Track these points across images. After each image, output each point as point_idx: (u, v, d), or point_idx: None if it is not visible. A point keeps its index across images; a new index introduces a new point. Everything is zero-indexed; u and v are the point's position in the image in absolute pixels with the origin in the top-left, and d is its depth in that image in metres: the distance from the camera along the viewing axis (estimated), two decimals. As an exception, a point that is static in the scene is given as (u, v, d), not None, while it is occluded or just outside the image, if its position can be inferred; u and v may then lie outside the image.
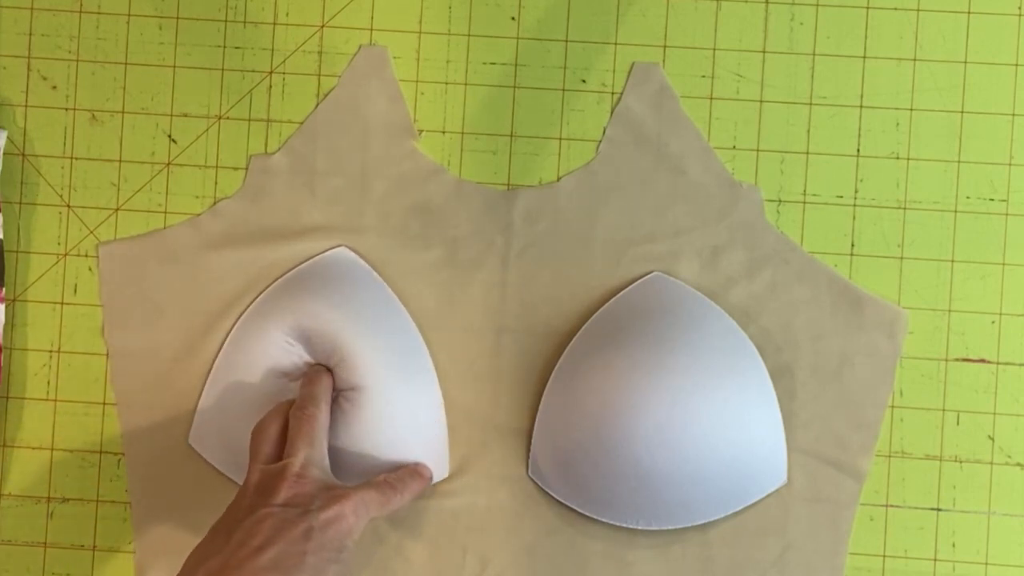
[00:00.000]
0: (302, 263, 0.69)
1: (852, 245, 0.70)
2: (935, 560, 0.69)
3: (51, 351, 0.70)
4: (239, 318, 0.69)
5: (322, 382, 0.65)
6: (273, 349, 0.66)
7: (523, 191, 0.70)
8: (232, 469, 0.68)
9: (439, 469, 0.68)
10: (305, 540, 0.58)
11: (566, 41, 0.71)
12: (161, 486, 0.69)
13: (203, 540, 0.59)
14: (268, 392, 0.66)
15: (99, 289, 0.70)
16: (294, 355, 0.66)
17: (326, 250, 0.70)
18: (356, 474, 0.65)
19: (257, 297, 0.69)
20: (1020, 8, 0.70)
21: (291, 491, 0.60)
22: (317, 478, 0.61)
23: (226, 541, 0.58)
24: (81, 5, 0.71)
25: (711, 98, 0.70)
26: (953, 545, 0.69)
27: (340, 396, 0.65)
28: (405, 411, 0.66)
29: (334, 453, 0.64)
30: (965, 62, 0.70)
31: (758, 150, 0.70)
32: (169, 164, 0.71)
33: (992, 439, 0.69)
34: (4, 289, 0.70)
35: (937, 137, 0.70)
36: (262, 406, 0.65)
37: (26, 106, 0.71)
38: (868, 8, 0.70)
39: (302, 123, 0.70)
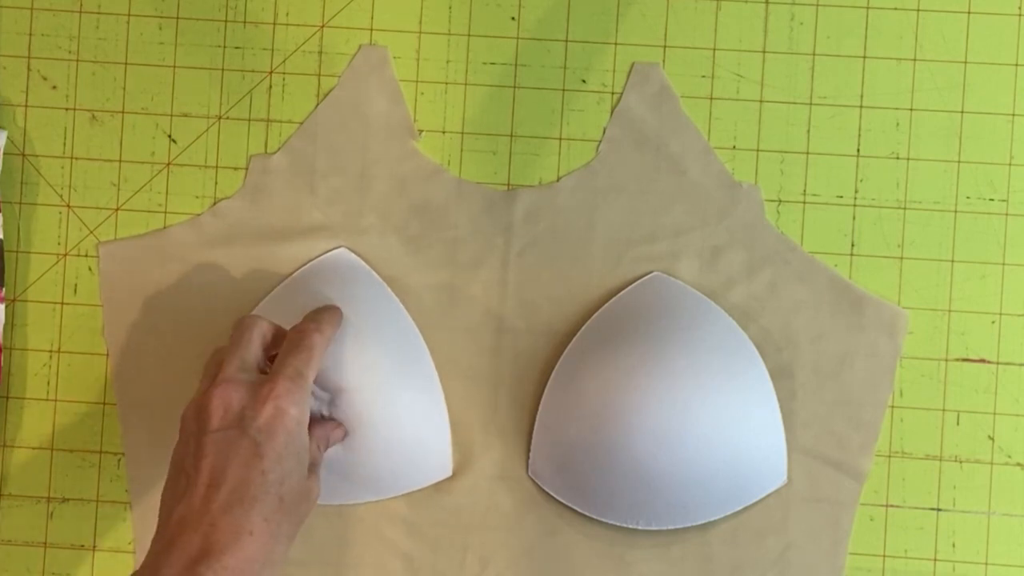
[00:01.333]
0: (303, 265, 0.69)
1: (852, 245, 0.70)
2: (935, 560, 0.69)
3: (51, 351, 0.70)
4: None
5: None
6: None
7: (523, 191, 0.70)
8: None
9: (442, 468, 0.68)
10: (256, 458, 0.56)
11: (566, 41, 0.71)
12: (161, 486, 0.69)
13: (167, 479, 0.58)
14: None
15: (99, 289, 0.70)
16: None
17: (326, 251, 0.70)
18: (360, 475, 0.65)
19: (261, 300, 0.69)
20: (1020, 8, 0.70)
21: (220, 409, 0.57)
22: (242, 383, 0.58)
23: (184, 482, 0.56)
24: (81, 5, 0.71)
25: (711, 98, 0.70)
26: (953, 545, 0.69)
27: (342, 397, 0.65)
28: (407, 411, 0.66)
29: (337, 455, 0.64)
30: (965, 62, 0.70)
31: (758, 150, 0.70)
32: (169, 164, 0.71)
33: (992, 439, 0.69)
34: (4, 289, 0.70)
35: (937, 137, 0.70)
36: None
37: (26, 106, 0.71)
38: (868, 8, 0.70)
39: (302, 123, 0.70)
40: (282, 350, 0.60)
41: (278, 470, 0.56)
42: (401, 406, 0.66)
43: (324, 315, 0.63)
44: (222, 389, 0.58)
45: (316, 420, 0.63)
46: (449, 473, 0.68)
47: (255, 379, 0.59)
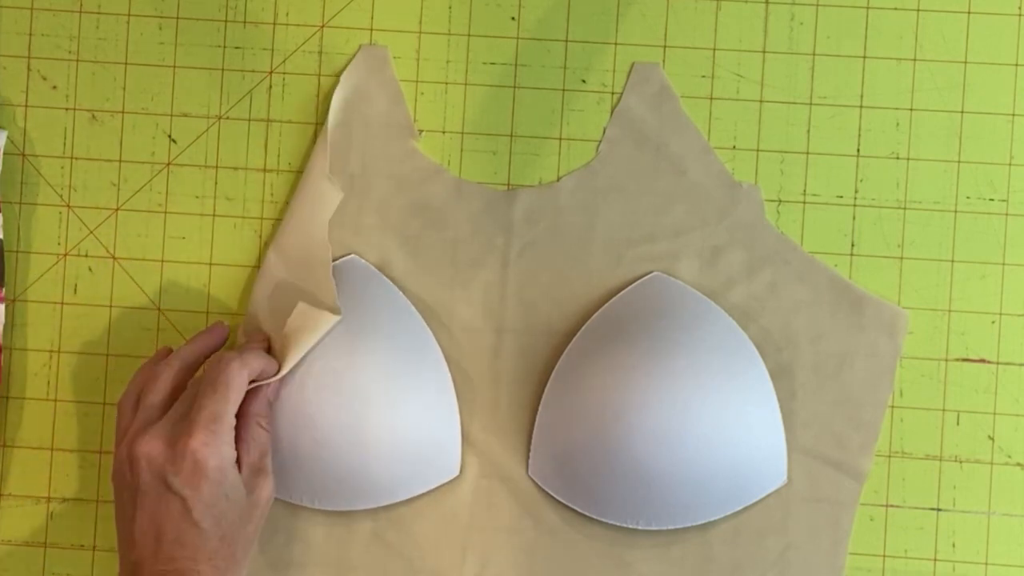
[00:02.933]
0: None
1: (852, 245, 0.70)
2: (935, 560, 0.69)
3: (51, 351, 0.70)
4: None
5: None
6: None
7: (523, 191, 0.70)
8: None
9: (452, 467, 0.68)
10: (186, 512, 0.58)
11: (566, 41, 0.71)
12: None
13: (116, 520, 0.61)
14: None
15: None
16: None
17: (335, 257, 0.69)
18: (370, 476, 0.65)
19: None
20: (1020, 8, 0.70)
21: (144, 463, 0.58)
22: (159, 437, 0.59)
23: (128, 532, 0.59)
24: (81, 5, 0.71)
25: (711, 98, 0.70)
26: (953, 545, 0.69)
27: (355, 402, 0.64)
28: (419, 414, 0.66)
29: (348, 456, 0.64)
30: (965, 62, 0.70)
31: (758, 150, 0.70)
32: (169, 164, 0.71)
33: (992, 439, 0.69)
34: (4, 289, 0.70)
35: (937, 137, 0.70)
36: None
37: (26, 106, 0.71)
38: (868, 8, 0.70)
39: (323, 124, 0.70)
40: (201, 385, 0.61)
41: (210, 517, 0.58)
42: (412, 408, 0.66)
43: (249, 338, 0.64)
44: (142, 442, 0.59)
45: (249, 396, 0.62)
46: (457, 472, 0.68)
47: (170, 430, 0.60)
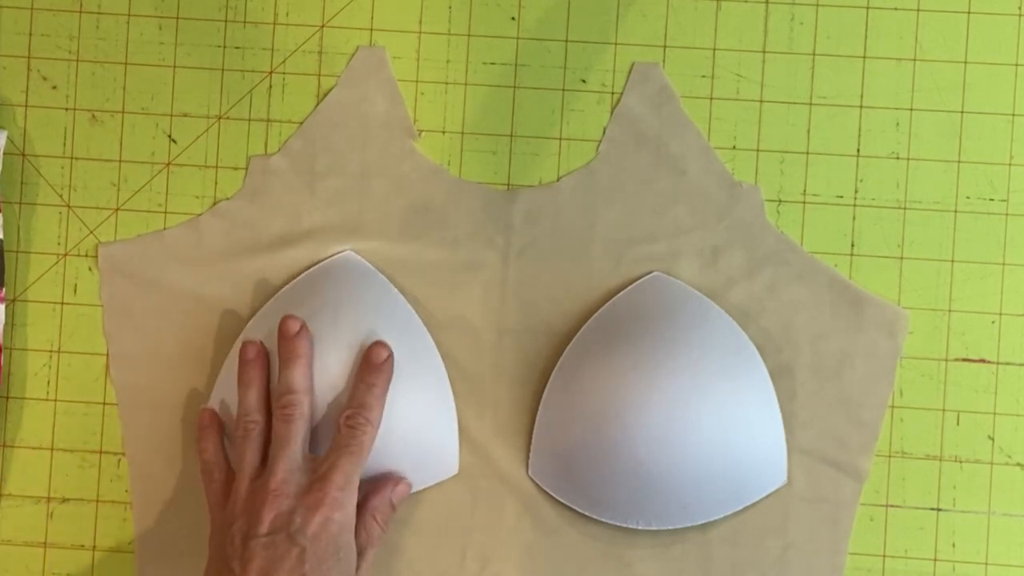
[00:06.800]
0: (304, 266, 0.69)
1: (852, 245, 0.70)
2: (935, 560, 0.69)
3: (51, 351, 0.70)
4: (246, 321, 0.69)
5: (298, 365, 0.64)
6: None
7: (523, 191, 0.70)
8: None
9: (450, 466, 0.68)
10: (300, 563, 0.59)
11: (566, 41, 0.71)
12: (161, 486, 0.69)
13: (208, 567, 0.61)
14: None
15: (99, 289, 0.70)
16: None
17: (330, 252, 0.69)
18: (369, 475, 0.65)
19: (264, 302, 0.69)
20: (1020, 8, 0.70)
21: (272, 512, 0.60)
22: (295, 486, 0.61)
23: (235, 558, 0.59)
24: (81, 5, 0.71)
25: (711, 98, 0.70)
26: (953, 545, 0.69)
27: (351, 401, 0.64)
28: (417, 412, 0.66)
29: None
30: (965, 62, 0.70)
31: (758, 150, 0.70)
32: (169, 164, 0.71)
33: (992, 439, 0.69)
34: (4, 289, 0.70)
35: (937, 137, 0.70)
36: None
37: (26, 106, 0.71)
38: (868, 8, 0.70)
39: (301, 123, 0.70)
40: (333, 445, 0.62)
41: (319, 571, 0.59)
42: (411, 407, 0.66)
43: (374, 397, 0.64)
44: (274, 498, 0.60)
45: (375, 484, 0.65)
46: (455, 471, 0.68)
47: (304, 484, 0.61)
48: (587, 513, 0.68)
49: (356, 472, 0.62)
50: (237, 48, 0.71)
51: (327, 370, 0.64)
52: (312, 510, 0.60)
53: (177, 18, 0.71)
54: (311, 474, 0.62)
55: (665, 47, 0.70)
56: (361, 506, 0.63)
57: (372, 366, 0.64)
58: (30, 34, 0.71)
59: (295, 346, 0.64)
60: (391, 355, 0.65)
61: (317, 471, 0.62)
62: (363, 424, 0.63)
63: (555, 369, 0.68)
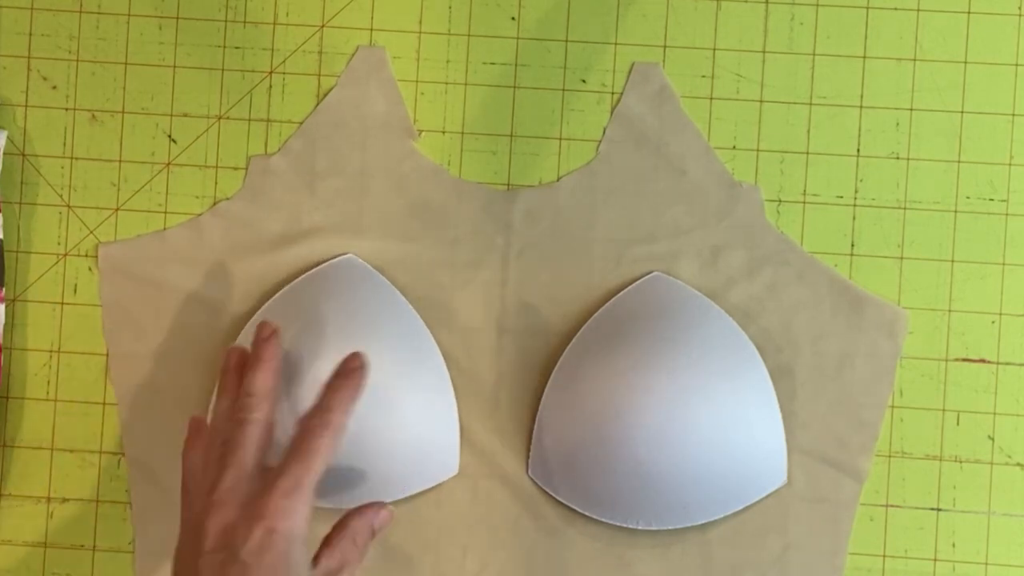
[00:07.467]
0: (304, 266, 0.69)
1: (852, 245, 0.70)
2: (935, 560, 0.69)
3: (51, 351, 0.70)
4: (246, 321, 0.69)
5: (260, 369, 0.60)
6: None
7: (523, 191, 0.70)
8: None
9: (450, 466, 0.68)
10: None
11: (566, 41, 0.71)
12: (161, 486, 0.69)
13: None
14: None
15: (99, 290, 0.70)
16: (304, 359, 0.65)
17: (330, 252, 0.69)
18: (372, 477, 0.65)
19: (263, 302, 0.69)
20: (1020, 8, 0.70)
21: (217, 524, 0.56)
22: (243, 495, 0.56)
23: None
24: (81, 5, 0.71)
25: (711, 98, 0.70)
26: (953, 545, 0.69)
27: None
28: (417, 413, 0.66)
29: (347, 455, 0.64)
30: (965, 62, 0.70)
31: (758, 150, 0.70)
32: (169, 164, 0.71)
33: (992, 439, 0.69)
34: (4, 289, 0.70)
35: (937, 137, 0.70)
36: None
37: (26, 106, 0.71)
38: (868, 8, 0.70)
39: (301, 123, 0.70)
40: (287, 450, 0.58)
41: None
42: (411, 407, 0.66)
43: (337, 401, 0.59)
44: (216, 510, 0.56)
45: (358, 508, 0.60)
46: (456, 471, 0.68)
47: (251, 492, 0.56)
48: (587, 513, 0.68)
49: (307, 478, 0.56)
50: (237, 48, 0.71)
51: (323, 378, 0.64)
52: (254, 520, 0.55)
53: (177, 18, 0.71)
54: (262, 483, 0.57)
55: (665, 47, 0.70)
56: (339, 526, 0.59)
57: (342, 371, 0.60)
58: (30, 34, 0.71)
59: (260, 350, 0.61)
60: (365, 366, 0.61)
61: (266, 478, 0.57)
62: (318, 427, 0.58)
63: (555, 369, 0.68)
